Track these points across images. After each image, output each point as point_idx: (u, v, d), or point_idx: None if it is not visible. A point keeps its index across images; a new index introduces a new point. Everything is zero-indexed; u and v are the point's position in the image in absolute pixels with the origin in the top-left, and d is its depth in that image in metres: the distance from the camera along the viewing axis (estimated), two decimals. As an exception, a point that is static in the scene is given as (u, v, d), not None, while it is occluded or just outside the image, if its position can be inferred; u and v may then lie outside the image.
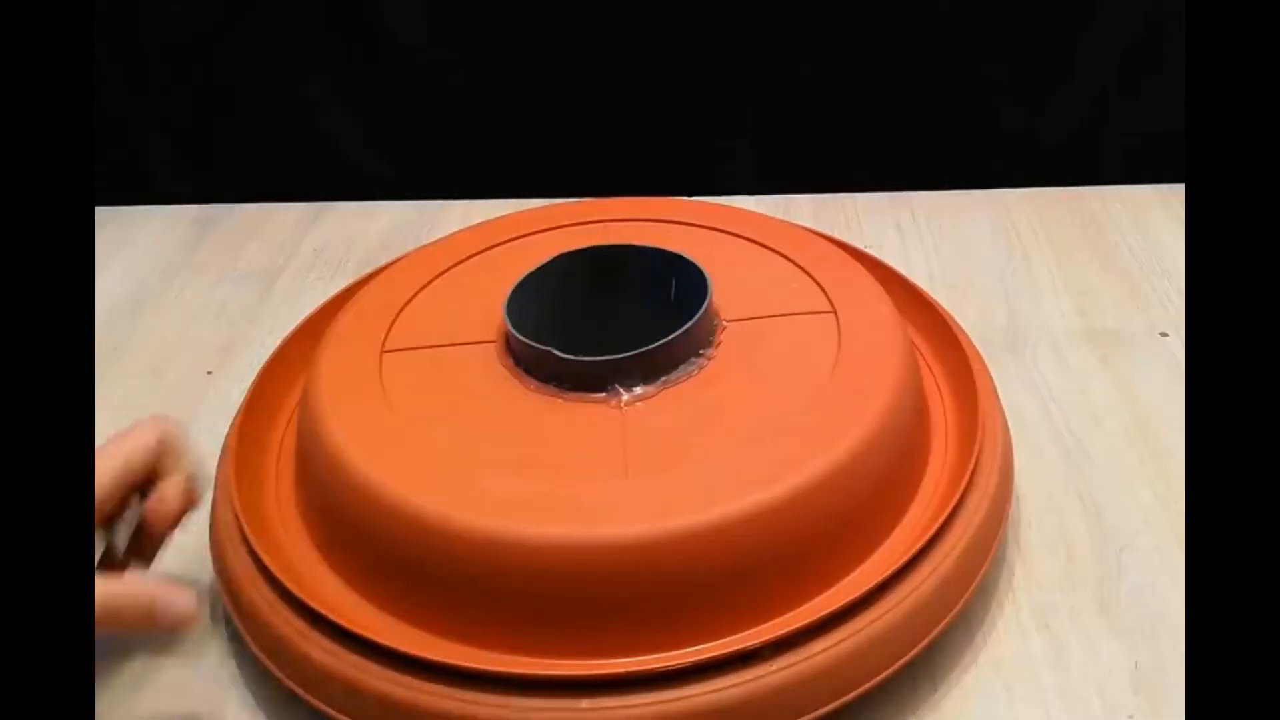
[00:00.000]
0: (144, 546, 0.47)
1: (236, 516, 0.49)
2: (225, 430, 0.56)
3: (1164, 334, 0.71)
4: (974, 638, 0.50)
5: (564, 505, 0.46)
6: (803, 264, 0.62)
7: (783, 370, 0.54)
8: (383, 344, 0.56)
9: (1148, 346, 0.70)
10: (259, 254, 0.84)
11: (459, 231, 0.69)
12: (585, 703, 0.41)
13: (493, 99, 0.92)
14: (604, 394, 0.52)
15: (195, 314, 0.77)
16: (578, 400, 0.52)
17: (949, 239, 0.72)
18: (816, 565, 0.47)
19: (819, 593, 0.47)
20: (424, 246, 0.68)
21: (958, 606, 0.47)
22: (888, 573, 0.45)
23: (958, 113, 0.92)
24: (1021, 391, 0.65)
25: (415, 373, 0.55)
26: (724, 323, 0.57)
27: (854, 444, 0.48)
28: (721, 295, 0.57)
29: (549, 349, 0.52)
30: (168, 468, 0.47)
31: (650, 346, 0.52)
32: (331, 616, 0.44)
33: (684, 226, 0.66)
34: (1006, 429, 0.55)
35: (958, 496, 0.48)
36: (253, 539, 0.48)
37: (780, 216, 0.69)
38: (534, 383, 0.53)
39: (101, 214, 0.87)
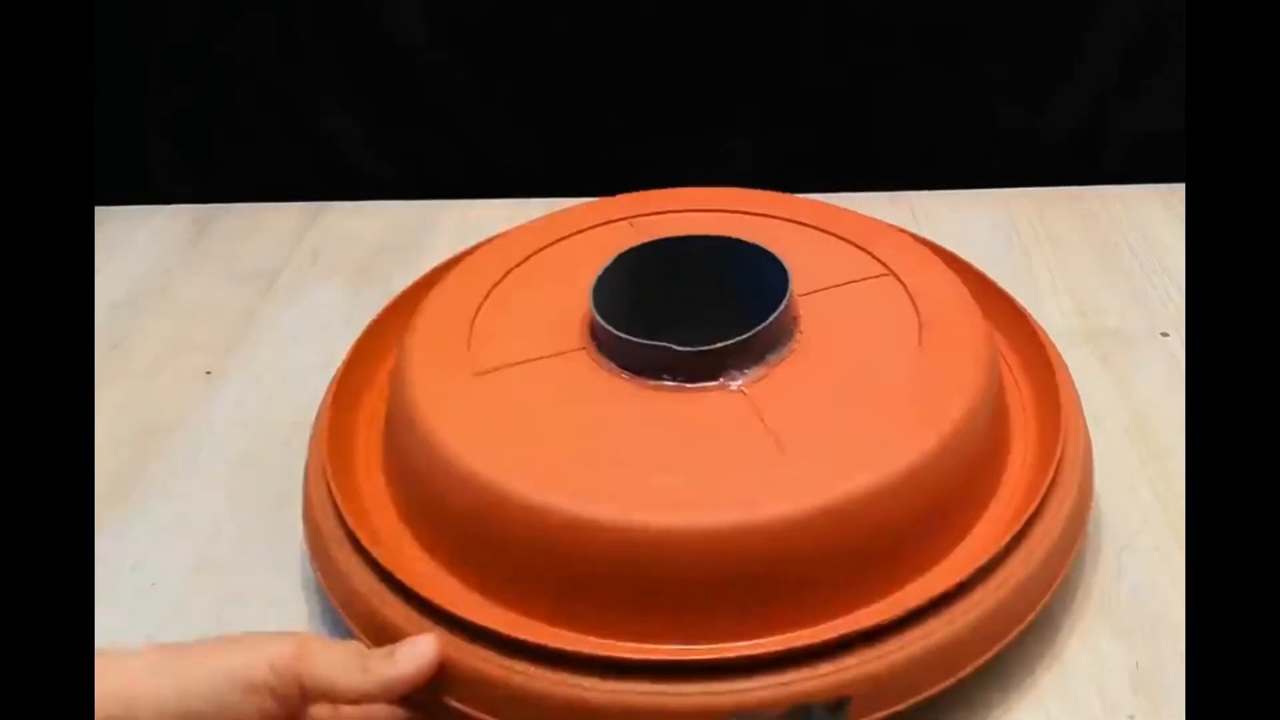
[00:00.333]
0: None
1: (334, 501, 0.50)
2: (225, 430, 0.56)
3: (1165, 334, 0.71)
4: (974, 638, 0.50)
5: (723, 491, 0.47)
6: (846, 236, 0.63)
7: (871, 340, 0.56)
8: (470, 367, 0.55)
9: (1148, 346, 0.70)
10: (258, 254, 0.84)
11: (495, 238, 0.68)
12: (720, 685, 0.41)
13: (493, 99, 0.92)
14: (717, 382, 0.52)
15: (195, 314, 0.77)
16: (696, 391, 0.52)
17: (949, 239, 0.72)
18: (934, 537, 0.49)
19: (923, 573, 0.48)
20: (467, 254, 0.66)
21: (1059, 578, 0.48)
22: (1008, 537, 0.46)
23: (958, 113, 0.92)
24: (1022, 391, 0.65)
25: (516, 393, 0.54)
26: (797, 297, 0.57)
27: (972, 400, 0.51)
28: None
29: (666, 345, 0.52)
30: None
31: (759, 328, 0.52)
32: (461, 613, 0.44)
33: (714, 214, 0.66)
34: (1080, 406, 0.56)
35: (1051, 472, 0.49)
36: (352, 523, 0.49)
37: (780, 216, 0.69)
38: (643, 380, 0.53)
39: (101, 213, 0.87)
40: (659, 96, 0.91)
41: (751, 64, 0.90)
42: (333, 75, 0.91)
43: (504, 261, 0.63)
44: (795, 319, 0.56)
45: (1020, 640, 0.50)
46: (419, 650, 0.42)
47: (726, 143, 0.93)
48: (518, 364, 0.55)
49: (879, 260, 0.61)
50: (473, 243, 0.69)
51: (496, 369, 0.55)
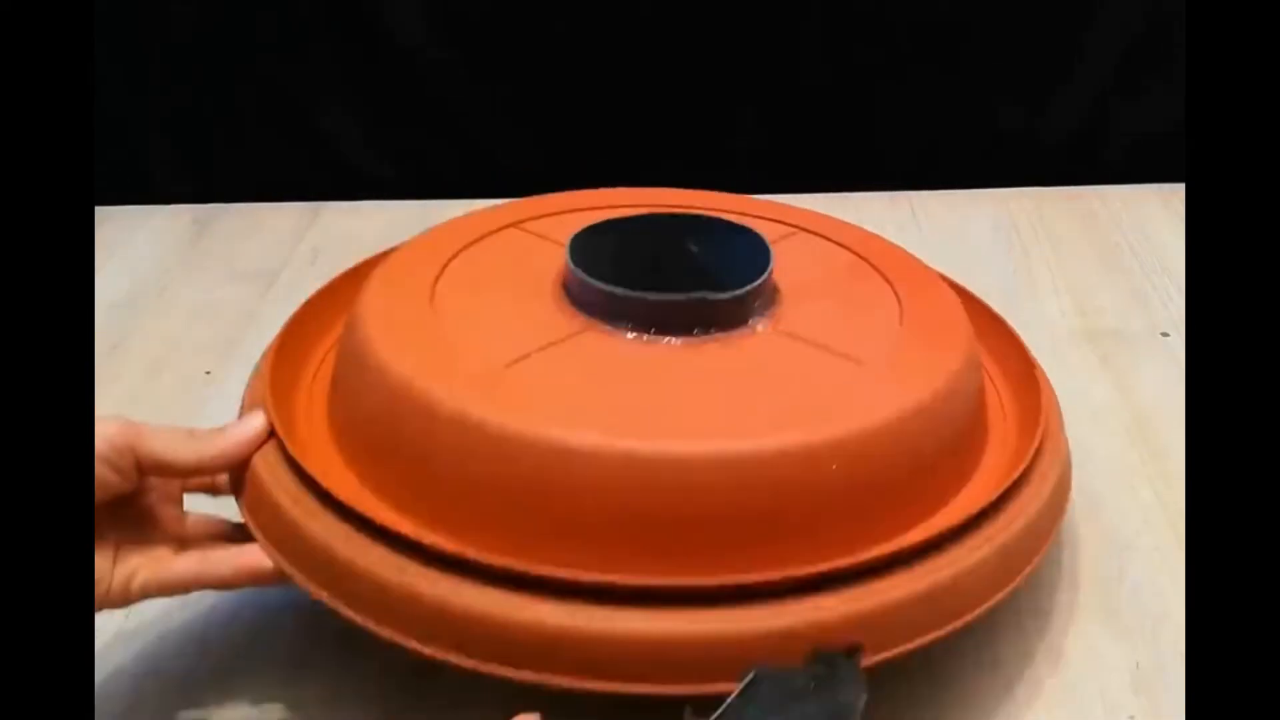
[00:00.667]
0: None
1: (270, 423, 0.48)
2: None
3: (1165, 334, 0.71)
4: (975, 638, 0.50)
5: (698, 423, 0.46)
6: (834, 237, 0.63)
7: (852, 305, 0.56)
8: (431, 296, 0.53)
9: (1148, 346, 0.70)
10: (258, 253, 0.84)
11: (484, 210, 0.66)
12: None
13: (493, 99, 0.92)
14: (689, 335, 0.52)
15: (194, 313, 0.77)
16: (715, 338, 0.52)
17: (949, 238, 0.72)
18: (919, 490, 0.49)
19: (914, 524, 0.47)
20: (450, 222, 0.65)
21: (1054, 530, 0.49)
22: (1016, 474, 0.47)
23: (958, 113, 0.92)
24: (1022, 391, 0.65)
25: (482, 325, 0.52)
26: (779, 285, 0.56)
27: (961, 363, 0.52)
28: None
29: (701, 294, 0.51)
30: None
31: (756, 282, 0.52)
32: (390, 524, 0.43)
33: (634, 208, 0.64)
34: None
35: (1041, 427, 0.50)
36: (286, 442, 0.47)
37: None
38: (628, 329, 0.52)
39: (101, 213, 0.87)
40: (659, 96, 0.91)
41: (751, 64, 0.90)
42: (333, 75, 0.91)
43: (486, 225, 0.62)
44: (776, 294, 0.55)
45: (1020, 640, 0.50)
46: (249, 424, 0.47)
47: (726, 143, 0.93)
48: (484, 294, 0.54)
49: (865, 260, 0.61)
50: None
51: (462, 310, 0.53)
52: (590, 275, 0.52)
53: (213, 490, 0.49)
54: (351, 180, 0.94)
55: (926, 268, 0.61)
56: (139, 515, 0.46)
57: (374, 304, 0.53)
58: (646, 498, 0.44)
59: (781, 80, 0.91)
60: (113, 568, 0.44)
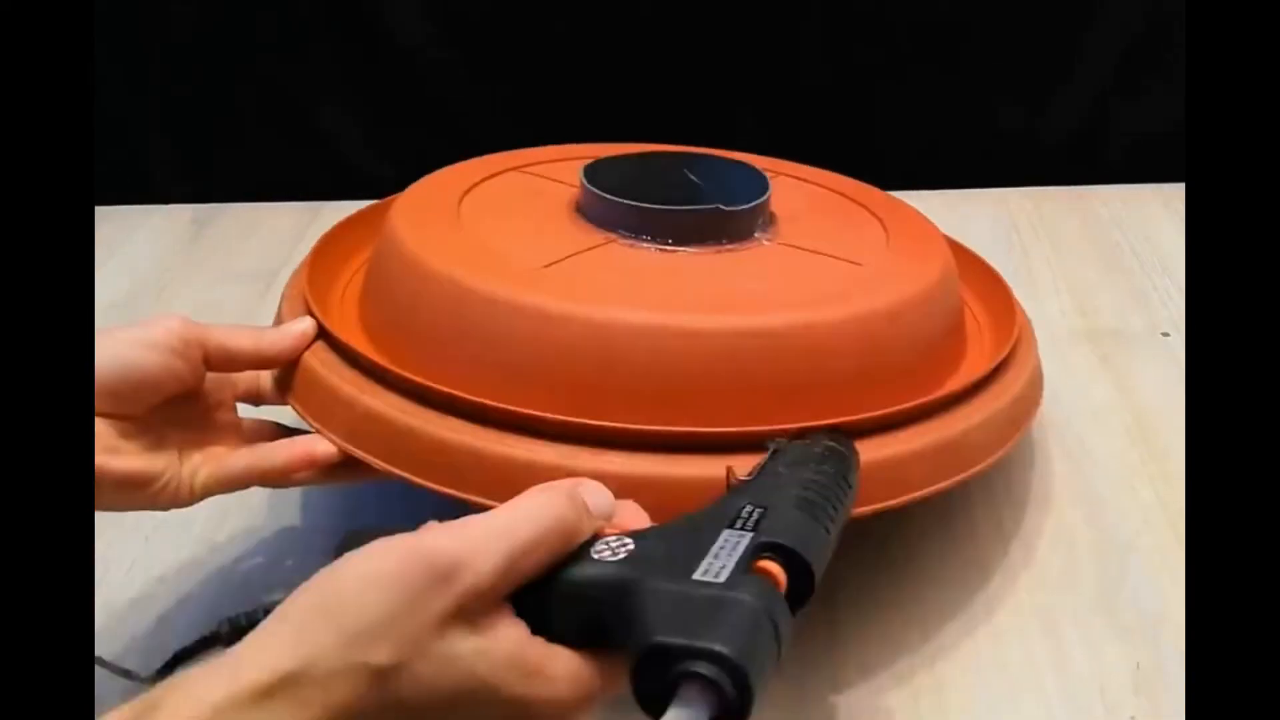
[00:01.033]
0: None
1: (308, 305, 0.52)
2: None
3: (1165, 334, 0.71)
4: (976, 638, 0.50)
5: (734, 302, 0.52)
6: (817, 180, 0.69)
7: (847, 237, 0.60)
8: (461, 231, 0.57)
9: (1148, 346, 0.70)
10: (258, 253, 0.84)
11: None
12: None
13: (493, 99, 0.92)
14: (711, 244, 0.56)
15: (194, 313, 0.75)
16: (728, 249, 0.56)
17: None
18: (914, 368, 0.54)
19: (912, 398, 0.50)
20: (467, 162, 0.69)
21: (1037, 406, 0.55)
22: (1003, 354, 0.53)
23: (958, 113, 0.92)
24: (1022, 391, 0.65)
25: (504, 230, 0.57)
26: (774, 212, 0.61)
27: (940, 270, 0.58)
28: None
29: (714, 205, 0.56)
30: None
31: (762, 198, 0.58)
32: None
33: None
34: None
35: (1016, 333, 0.56)
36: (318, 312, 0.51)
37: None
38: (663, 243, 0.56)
39: (100, 213, 0.87)
40: (659, 96, 0.91)
41: (751, 64, 0.90)
42: (333, 75, 0.91)
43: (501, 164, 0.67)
44: (773, 219, 0.60)
45: (1022, 641, 0.50)
46: (299, 323, 0.51)
47: (726, 143, 0.93)
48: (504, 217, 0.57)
49: (856, 200, 0.66)
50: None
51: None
52: (608, 194, 0.57)
53: (258, 398, 0.52)
54: (351, 180, 0.93)
55: (902, 202, 0.66)
56: (198, 418, 0.49)
57: (408, 225, 0.57)
58: (694, 366, 0.48)
59: (781, 80, 0.91)
60: (180, 468, 0.46)
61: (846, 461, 0.42)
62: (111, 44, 0.87)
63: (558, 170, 0.64)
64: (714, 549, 0.35)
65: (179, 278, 0.82)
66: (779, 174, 0.67)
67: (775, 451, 0.42)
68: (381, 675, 0.31)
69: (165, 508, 0.47)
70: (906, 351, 0.53)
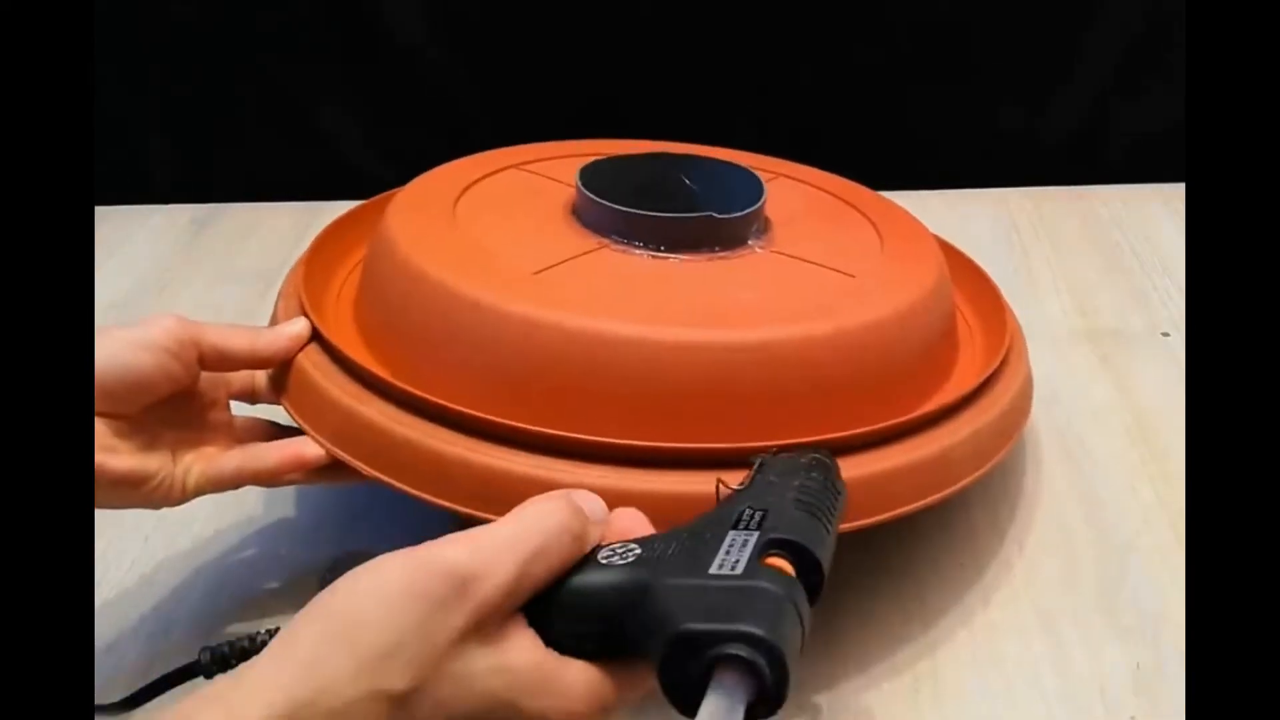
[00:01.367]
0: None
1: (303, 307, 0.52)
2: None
3: (1165, 334, 0.71)
4: (976, 638, 0.50)
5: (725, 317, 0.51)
6: (813, 182, 0.68)
7: (841, 245, 0.60)
8: (461, 238, 0.57)
9: (1148, 346, 0.70)
10: (258, 253, 0.84)
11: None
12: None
13: (493, 99, 0.92)
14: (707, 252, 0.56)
15: (193, 314, 0.76)
16: (720, 256, 0.56)
17: (949, 238, 0.72)
18: (904, 382, 0.54)
19: (898, 414, 0.50)
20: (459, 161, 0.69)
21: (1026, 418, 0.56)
22: (989, 371, 0.53)
23: (958, 112, 0.92)
24: (1022, 391, 0.65)
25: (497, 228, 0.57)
26: (769, 217, 0.61)
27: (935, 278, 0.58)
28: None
29: (707, 213, 0.56)
30: None
31: (756, 205, 0.58)
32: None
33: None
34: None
35: (1007, 342, 0.56)
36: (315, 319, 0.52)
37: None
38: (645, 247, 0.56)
39: (100, 213, 0.87)
40: (659, 96, 0.91)
41: (751, 63, 0.90)
42: (333, 75, 0.91)
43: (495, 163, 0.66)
44: (768, 223, 0.60)
45: (1022, 640, 0.50)
46: (293, 324, 0.51)
47: (726, 143, 0.93)
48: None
49: (851, 205, 0.65)
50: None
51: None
52: (602, 199, 0.57)
53: (252, 397, 0.52)
54: (351, 180, 0.93)
55: (897, 205, 0.66)
56: (192, 417, 0.49)
57: (402, 224, 0.57)
58: (681, 379, 0.48)
59: (781, 80, 0.91)
60: (173, 467, 0.47)
61: (831, 471, 0.43)
62: (111, 44, 0.87)
63: (557, 169, 0.64)
64: (723, 547, 0.35)
65: (179, 278, 0.82)
66: (777, 175, 0.67)
67: (762, 464, 0.42)
68: (399, 702, 0.31)
69: (157, 506, 0.47)
70: (898, 364, 0.53)
